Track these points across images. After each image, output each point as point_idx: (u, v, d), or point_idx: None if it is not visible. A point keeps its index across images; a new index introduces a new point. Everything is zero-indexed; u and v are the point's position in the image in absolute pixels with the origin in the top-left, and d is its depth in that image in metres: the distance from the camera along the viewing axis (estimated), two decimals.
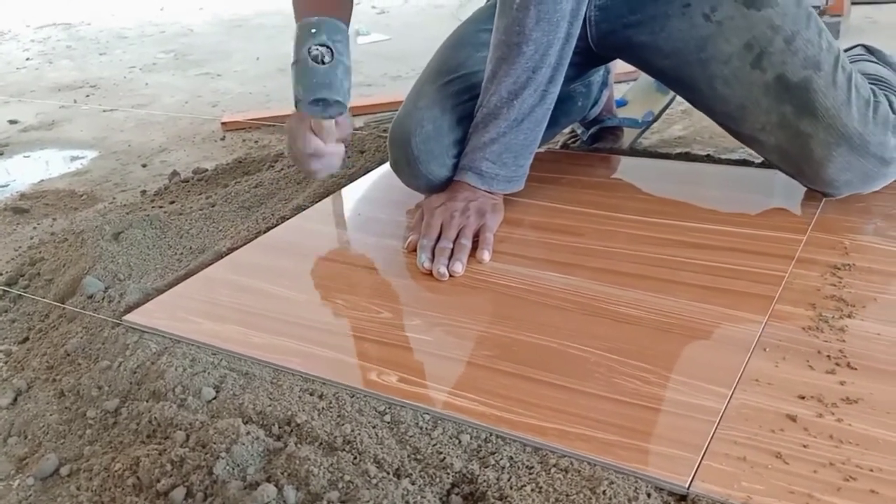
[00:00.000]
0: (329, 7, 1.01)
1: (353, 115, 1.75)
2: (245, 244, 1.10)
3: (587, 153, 1.35)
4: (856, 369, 0.71)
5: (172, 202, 1.35)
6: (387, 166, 1.34)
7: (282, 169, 1.41)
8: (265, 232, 1.14)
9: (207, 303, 0.96)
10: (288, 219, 1.17)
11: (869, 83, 1.01)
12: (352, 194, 1.26)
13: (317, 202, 1.23)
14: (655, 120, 1.43)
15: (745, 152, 1.32)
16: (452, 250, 0.99)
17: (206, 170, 1.50)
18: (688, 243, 0.97)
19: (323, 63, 0.93)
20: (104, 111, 2.01)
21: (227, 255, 1.08)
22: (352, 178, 1.31)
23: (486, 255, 0.99)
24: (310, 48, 0.93)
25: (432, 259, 0.98)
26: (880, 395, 0.68)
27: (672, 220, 1.03)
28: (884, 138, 0.95)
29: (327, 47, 0.93)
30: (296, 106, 0.99)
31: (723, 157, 1.29)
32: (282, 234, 1.13)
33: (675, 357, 0.76)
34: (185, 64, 2.45)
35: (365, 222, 1.16)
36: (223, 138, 1.71)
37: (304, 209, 1.20)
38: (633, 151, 1.34)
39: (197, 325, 0.90)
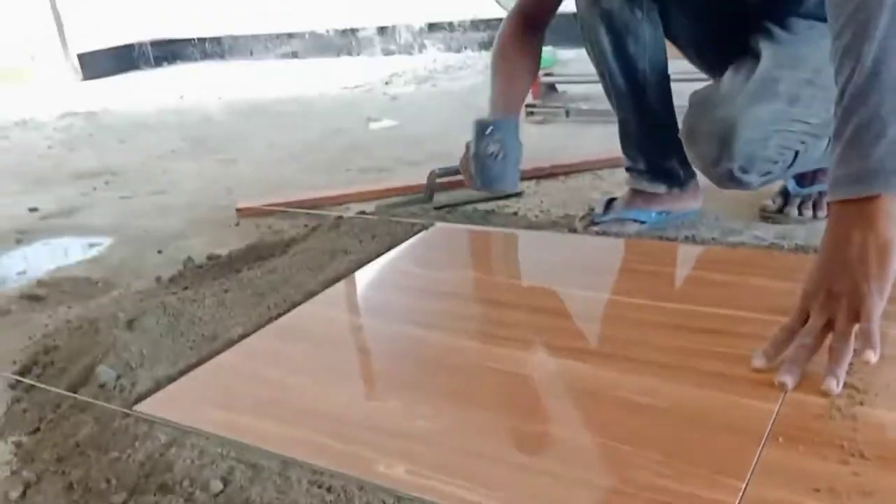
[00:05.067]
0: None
1: (363, 201, 1.79)
2: (256, 330, 1.11)
3: (592, 237, 1.37)
4: (869, 459, 0.70)
5: (186, 288, 1.37)
6: (398, 251, 1.37)
7: (295, 254, 1.43)
8: (277, 318, 1.15)
9: (217, 391, 0.96)
10: (300, 304, 1.19)
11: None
12: (364, 279, 1.27)
13: (329, 287, 1.24)
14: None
15: (751, 234, 1.33)
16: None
17: (220, 255, 1.52)
18: (696, 328, 0.97)
19: (495, 159, 1.13)
20: (122, 198, 2.06)
21: (238, 341, 1.08)
22: (362, 263, 1.33)
23: (871, 357, 0.77)
24: (487, 145, 1.12)
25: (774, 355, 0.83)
26: (894, 485, 0.67)
27: (680, 304, 1.03)
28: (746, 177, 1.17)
29: (500, 144, 1.13)
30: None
31: (728, 238, 1.31)
32: (293, 321, 1.14)
33: (688, 447, 0.75)
34: (202, 150, 2.52)
35: (376, 307, 1.17)
36: (238, 224, 1.75)
37: (317, 294, 1.22)
38: (640, 235, 1.36)
39: (206, 414, 0.91)
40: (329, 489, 0.76)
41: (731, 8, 1.26)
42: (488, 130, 1.09)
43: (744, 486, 0.69)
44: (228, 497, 0.76)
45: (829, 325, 0.81)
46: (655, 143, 1.38)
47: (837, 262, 0.82)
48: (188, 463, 0.81)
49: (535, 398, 0.87)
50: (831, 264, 0.83)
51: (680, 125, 1.25)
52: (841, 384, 0.79)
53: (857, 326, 0.80)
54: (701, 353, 0.91)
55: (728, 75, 1.19)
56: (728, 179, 1.18)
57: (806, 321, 0.84)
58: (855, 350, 0.80)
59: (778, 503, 0.66)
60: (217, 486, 0.77)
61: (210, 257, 1.52)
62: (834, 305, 0.81)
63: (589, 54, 1.35)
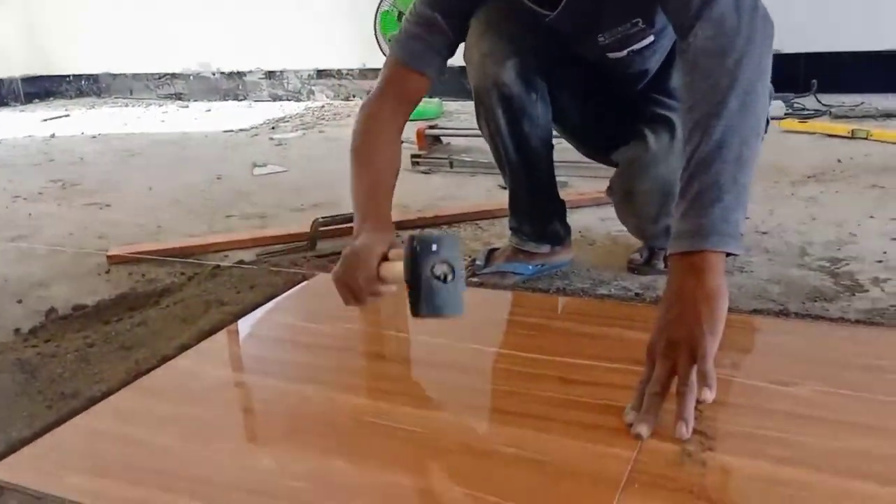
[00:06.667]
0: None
1: (243, 249, 1.76)
2: (122, 388, 1.07)
3: (472, 288, 1.40)
4: (715, 503, 0.75)
5: (48, 341, 1.29)
6: (277, 302, 1.35)
7: (168, 305, 1.39)
8: (145, 374, 1.10)
9: (77, 454, 0.91)
10: (170, 359, 1.15)
11: None
12: (240, 332, 1.25)
13: (202, 340, 1.21)
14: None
15: (618, 285, 1.40)
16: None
17: (87, 305, 1.45)
18: (563, 379, 1.01)
19: (445, 281, 0.93)
20: None
21: (101, 400, 1.04)
22: (239, 315, 1.30)
23: (707, 395, 0.83)
24: (434, 265, 0.93)
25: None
26: None
27: (549, 356, 1.07)
28: None
29: (449, 265, 0.94)
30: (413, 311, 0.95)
31: (597, 290, 1.37)
32: (162, 377, 1.10)
33: (551, 497, 0.78)
34: (72, 194, 2.41)
35: (252, 362, 1.15)
36: (108, 272, 1.68)
37: (188, 348, 1.18)
38: (514, 286, 1.40)
39: (61, 479, 0.86)
40: None
41: (617, 89, 1.37)
42: (433, 247, 0.91)
43: None
44: None
45: (673, 372, 0.87)
46: (543, 209, 1.45)
47: (674, 311, 0.89)
48: None
49: (409, 452, 0.88)
50: (669, 313, 0.90)
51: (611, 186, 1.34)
52: (690, 428, 0.84)
53: (695, 368, 0.85)
54: (566, 404, 0.95)
55: (651, 137, 1.27)
56: (664, 235, 1.25)
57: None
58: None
59: None
60: None
61: (76, 307, 1.45)
62: (673, 352, 0.87)
63: (483, 129, 1.37)
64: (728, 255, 0.90)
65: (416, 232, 0.98)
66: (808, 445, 0.84)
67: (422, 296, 0.92)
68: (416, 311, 0.93)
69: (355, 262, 1.06)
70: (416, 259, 0.92)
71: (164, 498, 0.81)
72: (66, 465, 0.89)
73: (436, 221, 1.87)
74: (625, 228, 1.49)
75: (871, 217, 1.68)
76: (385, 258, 1.05)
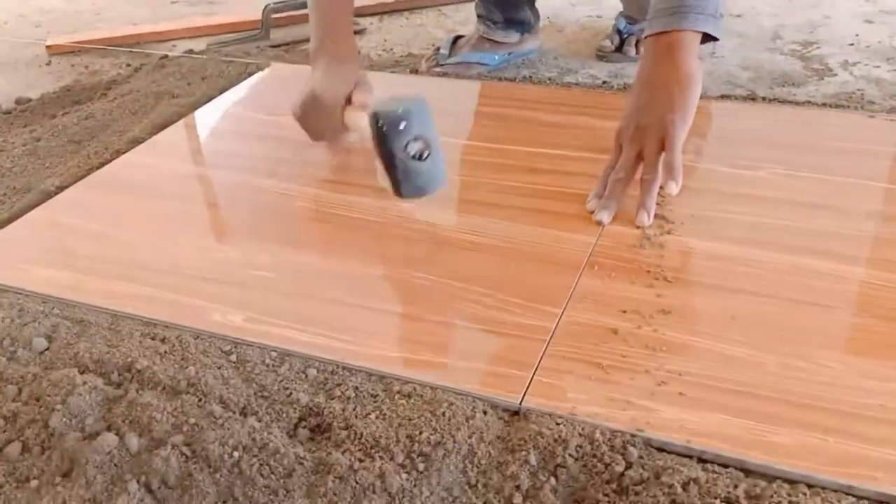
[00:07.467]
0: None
1: (192, 38, 1.66)
2: (76, 182, 1.03)
3: (435, 78, 1.35)
4: (670, 282, 0.78)
5: None
6: (231, 93, 1.29)
7: (115, 98, 1.32)
8: (98, 168, 1.07)
9: (35, 247, 0.90)
10: (123, 153, 1.11)
11: None
12: (194, 125, 1.20)
13: (155, 134, 1.17)
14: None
15: (586, 73, 1.36)
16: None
17: (31, 99, 1.38)
18: (528, 168, 1.00)
19: (422, 159, 0.85)
20: None
21: (56, 194, 1.01)
22: (193, 107, 1.25)
23: (673, 189, 0.83)
24: (407, 144, 0.84)
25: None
26: (690, 304, 0.75)
27: (512, 146, 1.06)
28: None
29: (424, 140, 0.85)
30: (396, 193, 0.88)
31: (565, 78, 1.33)
32: (116, 170, 1.07)
33: (514, 280, 0.79)
34: None
35: (209, 155, 1.12)
36: (49, 63, 1.58)
37: (141, 142, 1.14)
38: (480, 76, 1.35)
39: (24, 271, 0.85)
40: (163, 340, 0.75)
41: None
42: (402, 125, 0.83)
43: (560, 311, 0.74)
44: (55, 354, 0.73)
45: (640, 158, 0.86)
46: None
47: (645, 96, 0.86)
48: (7, 322, 0.77)
49: (370, 241, 0.88)
50: (640, 98, 0.87)
51: None
52: (651, 216, 0.85)
53: (663, 157, 0.85)
54: (531, 192, 0.95)
55: None
56: None
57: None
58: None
59: (589, 325, 0.73)
60: (41, 343, 0.74)
61: (18, 101, 1.38)
62: (642, 137, 0.85)
63: None
64: (706, 40, 0.86)
65: (378, 100, 0.90)
66: (765, 226, 0.86)
67: (400, 179, 0.86)
68: (399, 194, 0.88)
69: (317, 109, 0.99)
70: (385, 143, 0.85)
71: (130, 289, 0.82)
72: (27, 258, 0.88)
73: (397, 7, 1.76)
74: (594, 14, 1.42)
75: None
76: (349, 102, 0.99)
